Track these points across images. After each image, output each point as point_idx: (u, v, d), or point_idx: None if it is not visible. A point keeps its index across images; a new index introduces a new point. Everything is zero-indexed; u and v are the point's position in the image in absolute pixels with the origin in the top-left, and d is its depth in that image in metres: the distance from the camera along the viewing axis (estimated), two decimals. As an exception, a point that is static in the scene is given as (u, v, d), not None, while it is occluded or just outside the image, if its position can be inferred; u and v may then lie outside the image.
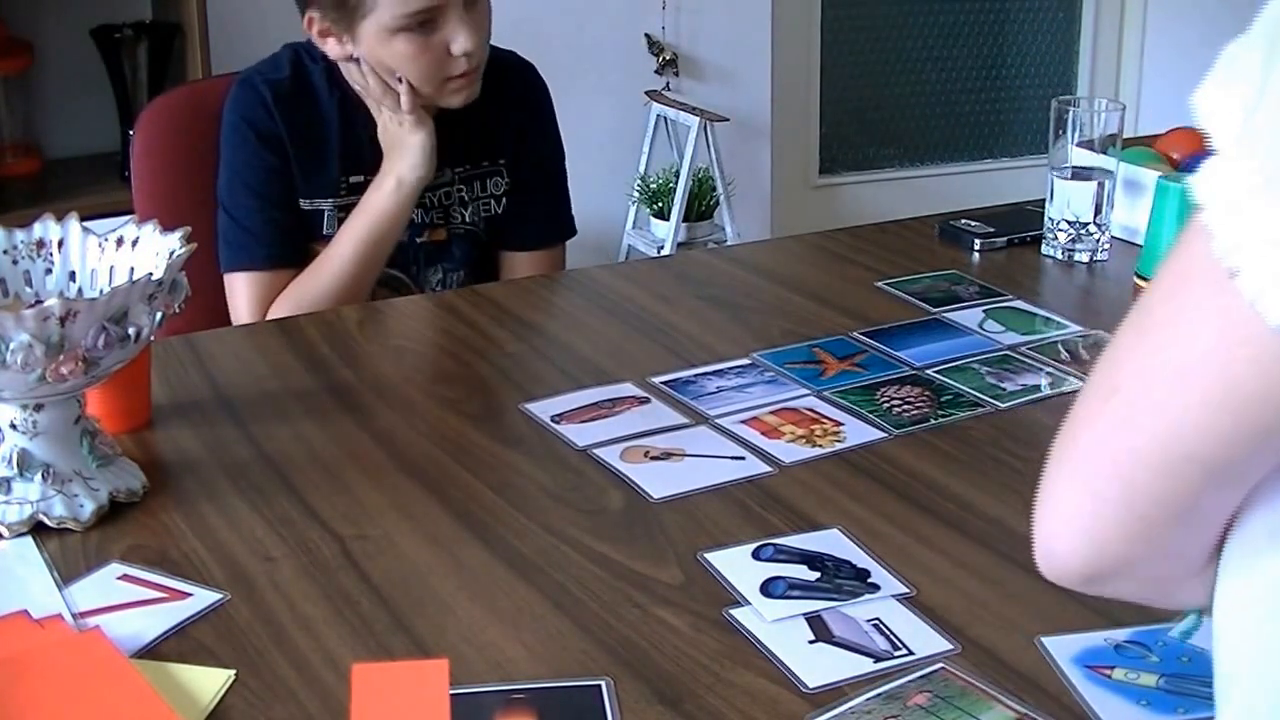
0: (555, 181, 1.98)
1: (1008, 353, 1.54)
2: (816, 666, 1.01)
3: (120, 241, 1.24)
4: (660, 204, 3.64)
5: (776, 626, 1.05)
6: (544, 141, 1.96)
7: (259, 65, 1.87)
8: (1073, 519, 0.70)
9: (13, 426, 1.18)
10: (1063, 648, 1.02)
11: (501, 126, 1.90)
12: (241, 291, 1.82)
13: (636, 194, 3.70)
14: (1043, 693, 0.98)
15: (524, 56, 1.97)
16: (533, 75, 1.96)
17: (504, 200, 1.92)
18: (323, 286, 1.79)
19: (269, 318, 1.78)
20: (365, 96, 1.81)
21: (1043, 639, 1.03)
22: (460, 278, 1.91)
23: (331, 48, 1.78)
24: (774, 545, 1.16)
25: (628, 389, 1.45)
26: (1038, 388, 1.45)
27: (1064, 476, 0.71)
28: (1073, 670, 1.00)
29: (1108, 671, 1.00)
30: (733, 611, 1.07)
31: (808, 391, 1.44)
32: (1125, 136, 1.85)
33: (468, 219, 1.89)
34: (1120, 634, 1.04)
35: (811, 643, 1.04)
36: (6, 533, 1.17)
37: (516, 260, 1.95)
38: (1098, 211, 1.80)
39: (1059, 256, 1.81)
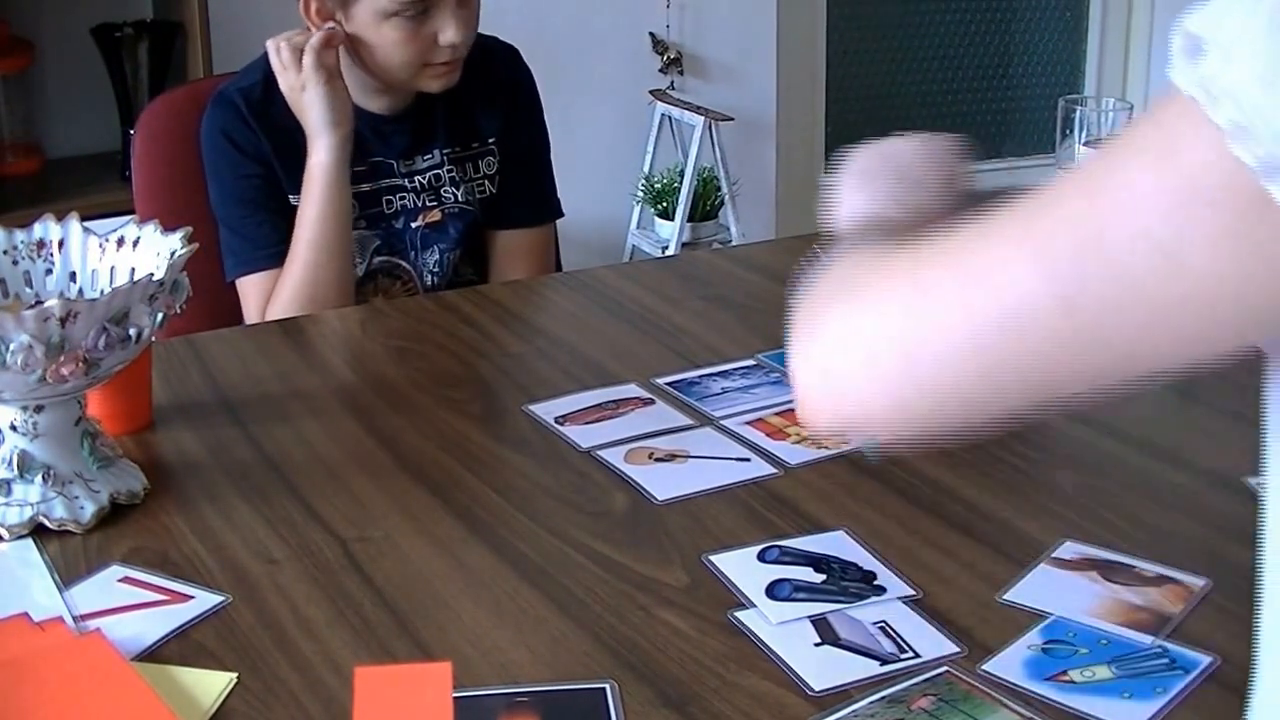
0: (541, 163, 2.01)
1: (1014, 353, 1.53)
2: (822, 669, 1.00)
3: (121, 242, 1.23)
4: (665, 204, 3.63)
5: (782, 629, 1.05)
6: (530, 124, 1.99)
7: (232, 78, 1.90)
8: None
9: (13, 428, 1.18)
10: (1007, 667, 1.00)
11: (488, 109, 1.93)
12: (250, 295, 1.84)
13: (641, 194, 3.69)
14: (1047, 696, 0.97)
15: (510, 43, 1.99)
16: (517, 60, 1.99)
17: (496, 180, 1.94)
18: (297, 284, 1.79)
19: (267, 319, 1.78)
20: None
21: (982, 667, 1.00)
22: (456, 257, 1.92)
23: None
24: (779, 547, 1.16)
25: (632, 390, 1.45)
26: (1044, 388, 1.44)
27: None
28: (1041, 686, 0.98)
29: (1065, 677, 0.99)
30: (738, 614, 1.07)
31: (813, 392, 1.43)
32: (1132, 136, 1.84)
33: (460, 198, 1.90)
34: (1035, 638, 1.04)
35: (817, 645, 1.03)
36: (7, 535, 1.17)
37: (505, 240, 1.96)
38: (1104, 211, 1.79)
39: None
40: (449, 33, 1.77)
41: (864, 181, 0.98)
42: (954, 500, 1.24)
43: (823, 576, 1.11)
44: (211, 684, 0.99)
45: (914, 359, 0.65)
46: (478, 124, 1.93)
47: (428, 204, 1.89)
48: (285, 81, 1.79)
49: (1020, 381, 0.64)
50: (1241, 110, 0.53)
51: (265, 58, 1.88)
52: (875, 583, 1.11)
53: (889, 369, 0.67)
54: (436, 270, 1.90)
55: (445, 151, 1.90)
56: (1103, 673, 1.00)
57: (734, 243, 3.52)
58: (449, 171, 1.90)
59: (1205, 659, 1.00)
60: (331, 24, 1.79)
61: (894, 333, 0.67)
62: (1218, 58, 0.54)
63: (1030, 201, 0.61)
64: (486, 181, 1.94)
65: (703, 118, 3.55)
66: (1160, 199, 0.56)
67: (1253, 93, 0.53)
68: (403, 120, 1.89)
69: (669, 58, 3.71)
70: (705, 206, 3.63)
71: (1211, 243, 0.55)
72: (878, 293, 0.69)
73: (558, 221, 2.04)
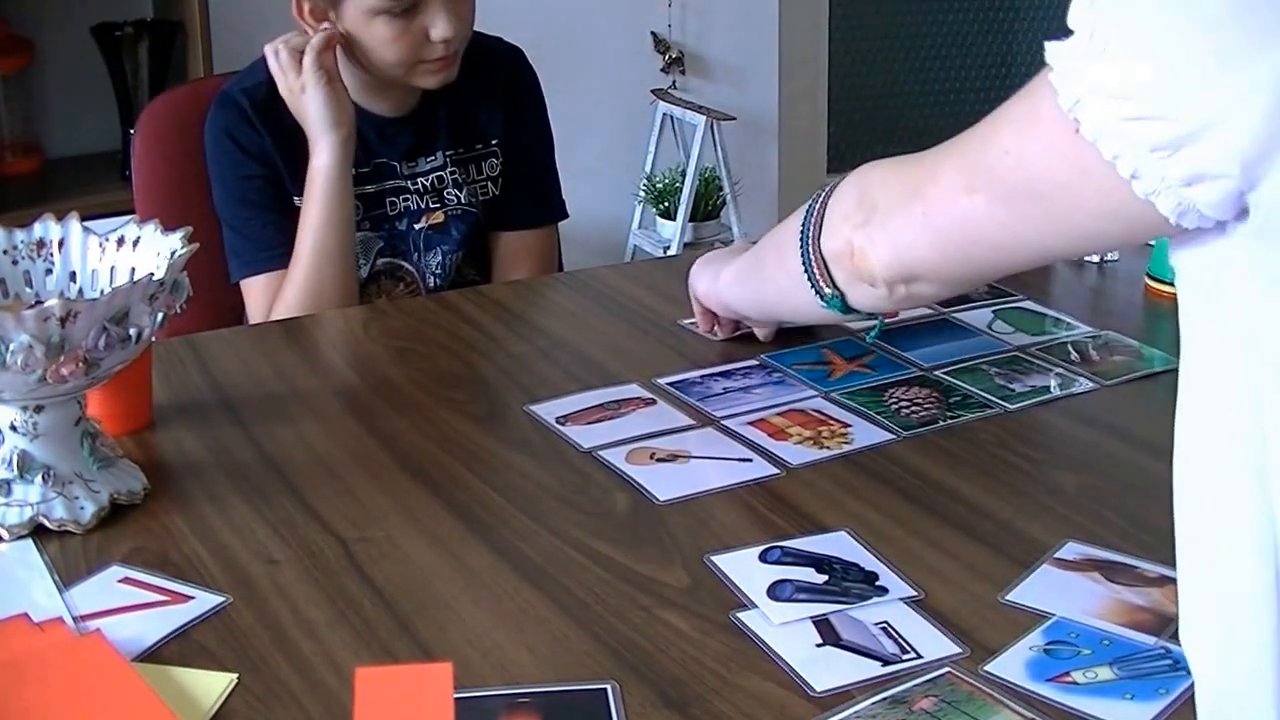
0: (544, 164, 2.01)
1: (1017, 354, 1.52)
2: (824, 670, 1.00)
3: (121, 241, 1.23)
4: (666, 204, 3.63)
5: (784, 630, 1.04)
6: (534, 125, 1.99)
7: (235, 77, 1.90)
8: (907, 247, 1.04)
9: (13, 428, 1.17)
10: (1009, 668, 1.00)
11: (491, 110, 1.93)
12: (255, 296, 1.83)
13: (642, 194, 3.69)
14: (1049, 697, 0.97)
15: (515, 44, 2.00)
16: (521, 61, 1.99)
17: (500, 182, 1.93)
18: (301, 286, 1.78)
19: (271, 320, 1.78)
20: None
21: (984, 668, 1.00)
22: (459, 259, 1.92)
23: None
24: (781, 548, 1.15)
25: (633, 390, 1.44)
26: (1047, 389, 1.44)
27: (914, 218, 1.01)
28: (1043, 687, 0.98)
29: (1067, 678, 0.99)
30: (739, 615, 1.06)
31: (815, 393, 1.43)
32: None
33: (463, 200, 1.90)
34: (1037, 639, 1.03)
35: (819, 646, 1.03)
36: (7, 535, 1.17)
37: (508, 241, 1.96)
38: (1107, 211, 1.79)
39: (1068, 256, 1.80)
40: (439, 27, 1.77)
41: (710, 266, 1.50)
42: (956, 501, 1.23)
43: (824, 577, 1.11)
44: (212, 685, 0.99)
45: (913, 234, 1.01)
46: (481, 125, 1.93)
47: (430, 205, 1.89)
48: (284, 84, 1.79)
49: (971, 246, 0.95)
50: (1061, 69, 0.77)
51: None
52: (877, 583, 1.10)
53: (918, 239, 1.01)
54: (439, 272, 1.90)
55: (448, 153, 1.90)
56: (1105, 674, 0.99)
57: (736, 242, 3.52)
58: (452, 173, 1.90)
59: (1208, 660, 1.00)
60: (327, 25, 1.79)
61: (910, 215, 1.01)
62: (1064, 39, 0.77)
63: (968, 132, 0.92)
64: (489, 183, 1.93)
65: (704, 117, 3.55)
66: (1016, 128, 0.85)
67: (1068, 56, 0.77)
68: (406, 122, 1.89)
69: (671, 57, 3.71)
70: (707, 206, 3.63)
71: (1045, 154, 0.81)
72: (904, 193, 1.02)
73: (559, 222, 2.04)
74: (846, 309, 1.18)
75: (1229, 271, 0.74)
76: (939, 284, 1.07)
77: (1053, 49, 0.78)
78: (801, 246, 1.18)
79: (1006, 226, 0.89)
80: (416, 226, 1.88)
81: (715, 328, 1.55)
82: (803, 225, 1.18)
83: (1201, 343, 0.77)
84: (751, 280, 1.39)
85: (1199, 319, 0.77)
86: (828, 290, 1.18)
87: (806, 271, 1.19)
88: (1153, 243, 1.73)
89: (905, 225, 1.03)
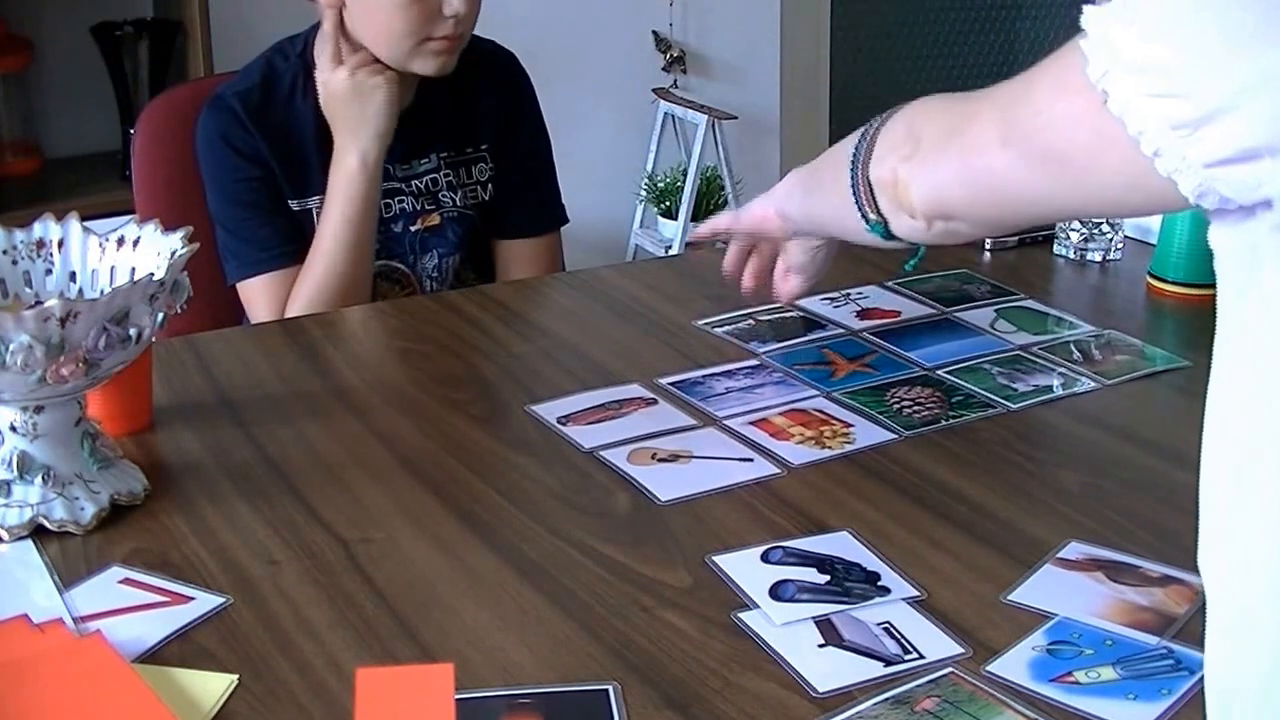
0: (543, 169, 2.00)
1: (1019, 353, 1.52)
2: (826, 670, 1.00)
3: (121, 241, 1.22)
4: (668, 203, 3.62)
5: (785, 630, 1.04)
6: (529, 130, 1.98)
7: (227, 81, 1.89)
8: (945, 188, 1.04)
9: (13, 429, 1.17)
10: (1012, 668, 1.00)
11: (484, 114, 1.92)
12: (257, 297, 1.82)
13: (644, 193, 3.69)
14: (1051, 697, 0.97)
15: (512, 50, 1.98)
16: (514, 64, 1.98)
17: (490, 186, 1.93)
18: (319, 283, 1.78)
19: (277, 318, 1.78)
20: (319, 54, 1.80)
21: (987, 669, 1.00)
22: (455, 261, 1.91)
23: None
24: (783, 548, 1.15)
25: (635, 390, 1.44)
26: (1050, 388, 1.43)
27: (952, 163, 1.01)
28: (1046, 688, 0.98)
29: (1070, 679, 0.99)
30: (741, 615, 1.06)
31: (817, 393, 1.43)
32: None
33: (458, 202, 1.90)
34: (1040, 639, 1.03)
35: (821, 646, 1.03)
36: (6, 536, 1.16)
37: (511, 248, 1.96)
38: (1109, 210, 1.79)
39: (1071, 256, 1.80)
40: (453, 2, 1.75)
41: (764, 195, 1.48)
42: (959, 501, 1.23)
43: (826, 577, 1.11)
44: (212, 686, 0.98)
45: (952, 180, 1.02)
46: (473, 128, 1.92)
47: (426, 208, 1.88)
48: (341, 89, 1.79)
49: (998, 195, 0.95)
50: (1094, 37, 0.77)
51: (262, 59, 1.87)
52: (879, 584, 1.10)
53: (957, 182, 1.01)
54: (435, 275, 1.89)
55: (442, 155, 1.89)
56: (1108, 674, 0.99)
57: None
58: (445, 175, 1.89)
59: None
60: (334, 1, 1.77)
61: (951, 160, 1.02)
62: (1098, 9, 0.78)
63: (1010, 82, 0.91)
64: (479, 187, 1.92)
65: (706, 116, 3.55)
66: (1048, 90, 0.84)
67: (1101, 24, 0.77)
68: (401, 124, 1.88)
69: (672, 56, 3.70)
70: (708, 205, 3.62)
71: (1072, 120, 0.81)
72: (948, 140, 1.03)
73: (559, 223, 2.03)
74: (889, 235, 1.19)
75: (1257, 256, 0.74)
76: (973, 224, 1.08)
77: (1089, 14, 0.78)
78: (852, 170, 1.20)
79: (1031, 183, 0.90)
80: (412, 229, 1.88)
81: (757, 281, 1.52)
82: (855, 150, 1.20)
83: (1233, 324, 0.76)
84: (811, 193, 1.39)
85: (1233, 299, 0.77)
86: (872, 216, 1.18)
87: (854, 195, 1.20)
88: (1155, 242, 1.73)
89: (942, 164, 1.04)
